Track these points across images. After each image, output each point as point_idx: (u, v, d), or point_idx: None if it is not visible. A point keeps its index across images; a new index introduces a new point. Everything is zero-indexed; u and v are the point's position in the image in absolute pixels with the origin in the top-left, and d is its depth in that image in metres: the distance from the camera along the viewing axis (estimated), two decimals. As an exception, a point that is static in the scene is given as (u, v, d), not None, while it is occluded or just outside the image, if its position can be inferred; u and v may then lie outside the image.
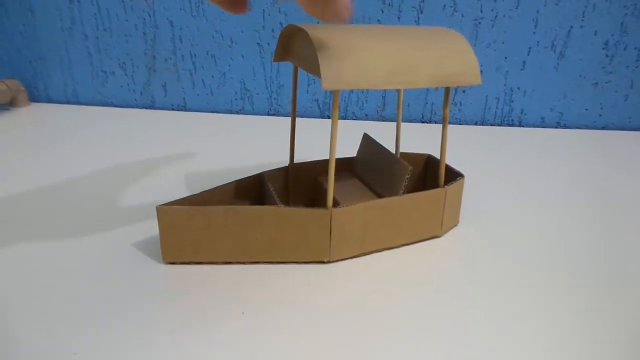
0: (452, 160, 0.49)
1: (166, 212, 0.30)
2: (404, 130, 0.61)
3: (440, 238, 0.35)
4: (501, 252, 0.34)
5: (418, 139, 0.59)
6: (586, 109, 0.66)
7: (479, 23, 0.63)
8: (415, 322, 0.26)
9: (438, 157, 0.40)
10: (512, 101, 0.66)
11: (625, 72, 0.64)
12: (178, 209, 0.30)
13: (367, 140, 0.40)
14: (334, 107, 0.28)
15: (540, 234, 0.36)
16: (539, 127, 0.67)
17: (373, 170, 0.37)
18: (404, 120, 0.69)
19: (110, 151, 0.53)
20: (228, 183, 0.35)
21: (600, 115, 0.66)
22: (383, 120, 0.69)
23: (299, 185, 0.39)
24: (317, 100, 0.69)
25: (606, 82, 0.64)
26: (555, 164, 0.52)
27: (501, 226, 0.37)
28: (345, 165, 0.40)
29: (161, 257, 0.31)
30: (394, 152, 0.37)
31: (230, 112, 0.72)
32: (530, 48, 0.64)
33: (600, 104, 0.66)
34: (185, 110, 0.72)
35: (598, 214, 0.40)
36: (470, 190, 0.43)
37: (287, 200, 0.40)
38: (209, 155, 0.52)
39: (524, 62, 0.64)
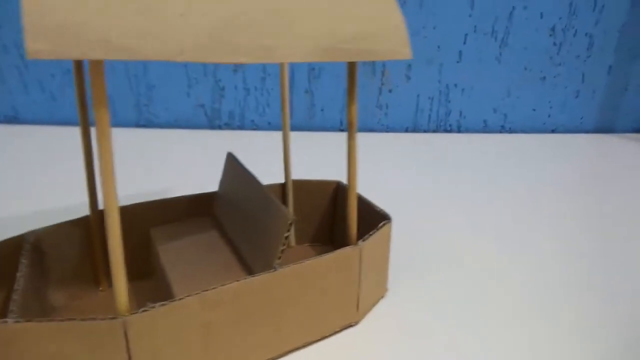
0: (375, 183, 0.35)
1: None
2: (315, 141, 0.46)
3: (358, 326, 0.20)
4: (452, 333, 0.19)
5: (335, 152, 0.44)
6: (534, 109, 0.55)
7: (405, 2, 0.50)
8: None
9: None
10: (449, 101, 0.54)
11: (575, 64, 0.53)
12: None
13: (231, 165, 0.23)
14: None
15: (507, 293, 0.23)
16: (480, 132, 0.55)
17: (238, 219, 0.21)
18: (315, 129, 0.53)
19: None
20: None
21: (549, 115, 0.55)
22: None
23: (131, 245, 0.22)
24: (202, 106, 0.52)
25: (554, 77, 0.53)
26: (503, 175, 0.39)
27: (447, 287, 0.23)
28: (204, 207, 0.24)
29: None
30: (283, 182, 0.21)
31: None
32: (466, 35, 0.51)
33: (549, 102, 0.55)
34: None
35: (579, 242, 0.27)
36: (403, 231, 0.28)
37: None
38: None
39: (460, 52, 0.52)
